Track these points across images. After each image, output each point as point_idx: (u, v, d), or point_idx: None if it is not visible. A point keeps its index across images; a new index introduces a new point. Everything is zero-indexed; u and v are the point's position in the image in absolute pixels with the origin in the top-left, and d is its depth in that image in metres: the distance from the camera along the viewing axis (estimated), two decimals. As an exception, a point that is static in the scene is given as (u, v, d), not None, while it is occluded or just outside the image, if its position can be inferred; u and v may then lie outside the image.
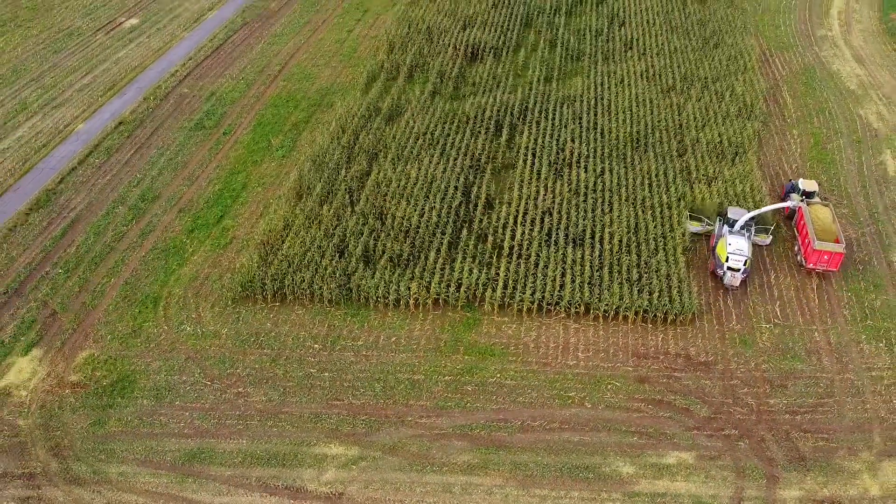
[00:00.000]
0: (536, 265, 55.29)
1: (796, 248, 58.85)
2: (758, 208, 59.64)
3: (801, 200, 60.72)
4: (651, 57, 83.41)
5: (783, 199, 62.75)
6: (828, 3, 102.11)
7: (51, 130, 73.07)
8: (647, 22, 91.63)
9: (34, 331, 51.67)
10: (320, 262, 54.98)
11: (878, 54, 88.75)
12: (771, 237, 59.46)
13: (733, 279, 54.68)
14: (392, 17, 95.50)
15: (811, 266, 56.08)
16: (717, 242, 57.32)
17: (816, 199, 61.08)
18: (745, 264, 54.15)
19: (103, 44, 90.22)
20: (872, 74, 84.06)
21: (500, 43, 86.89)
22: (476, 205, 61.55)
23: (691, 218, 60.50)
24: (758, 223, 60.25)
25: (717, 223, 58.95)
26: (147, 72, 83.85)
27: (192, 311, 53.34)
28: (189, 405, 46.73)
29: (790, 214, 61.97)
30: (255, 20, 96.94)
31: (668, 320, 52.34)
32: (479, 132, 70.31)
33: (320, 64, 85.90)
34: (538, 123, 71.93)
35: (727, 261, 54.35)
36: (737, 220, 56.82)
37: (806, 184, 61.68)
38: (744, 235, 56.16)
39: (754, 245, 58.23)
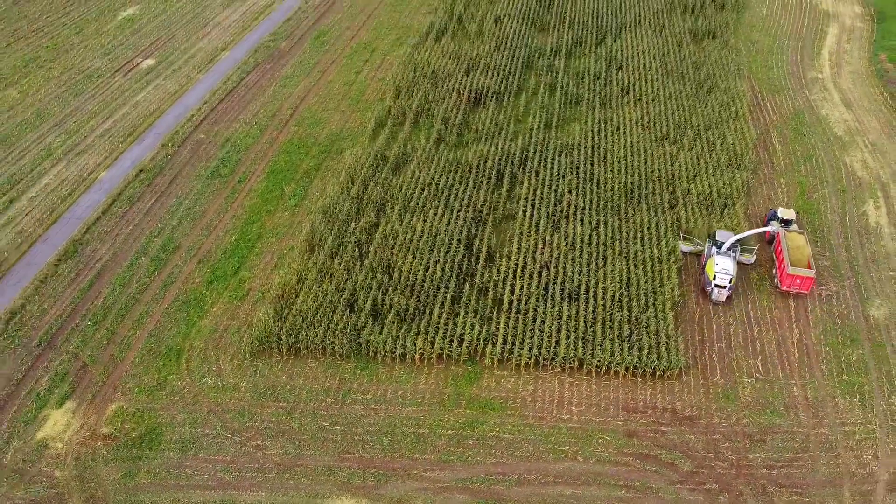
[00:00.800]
0: (534, 321, 59.08)
1: (774, 271, 64.89)
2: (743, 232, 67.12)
3: (781, 226, 66.70)
4: (646, 103, 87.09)
5: (765, 225, 68.76)
6: (819, 44, 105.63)
7: (75, 178, 77.15)
8: (644, 65, 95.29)
9: (67, 383, 55.70)
10: (332, 317, 58.88)
11: (865, 98, 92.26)
12: (755, 256, 66.10)
13: (720, 295, 61.53)
14: (398, 59, 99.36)
15: (785, 288, 62.63)
16: (706, 262, 64.03)
17: (794, 227, 67.38)
18: (730, 282, 60.87)
19: (122, 86, 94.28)
20: (859, 119, 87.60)
21: (502, 87, 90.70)
22: (478, 258, 65.37)
23: (683, 239, 67.22)
24: (742, 245, 67.21)
25: (707, 244, 65.38)
26: (164, 116, 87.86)
27: (213, 364, 57.31)
28: (212, 458, 50.67)
29: (770, 240, 68.04)
30: (266, 61, 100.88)
31: (657, 375, 56.09)
32: (481, 182, 74.14)
33: (330, 108, 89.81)
34: (537, 173, 75.71)
35: (714, 278, 61.11)
36: (724, 243, 63.89)
37: (785, 213, 68.30)
38: (730, 256, 62.76)
39: (740, 263, 65.16)
